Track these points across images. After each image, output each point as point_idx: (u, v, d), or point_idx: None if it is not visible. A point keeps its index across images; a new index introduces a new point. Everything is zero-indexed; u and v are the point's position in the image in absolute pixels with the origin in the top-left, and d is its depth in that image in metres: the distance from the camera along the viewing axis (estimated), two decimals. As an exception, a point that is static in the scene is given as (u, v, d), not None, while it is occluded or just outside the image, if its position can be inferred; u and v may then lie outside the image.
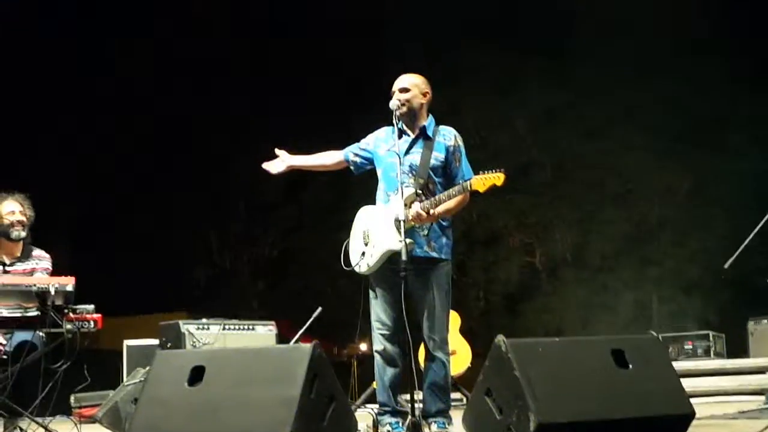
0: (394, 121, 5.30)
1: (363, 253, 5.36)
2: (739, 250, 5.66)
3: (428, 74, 5.56)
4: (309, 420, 3.97)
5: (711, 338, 9.70)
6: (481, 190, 5.07)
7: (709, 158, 14.13)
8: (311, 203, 16.99)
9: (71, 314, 5.35)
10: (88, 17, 13.42)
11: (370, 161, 5.55)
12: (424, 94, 5.41)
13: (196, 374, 4.28)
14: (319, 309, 7.35)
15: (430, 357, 5.29)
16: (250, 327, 7.76)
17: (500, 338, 4.16)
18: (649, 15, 13.95)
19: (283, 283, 17.40)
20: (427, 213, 5.15)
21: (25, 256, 6.30)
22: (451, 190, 5.17)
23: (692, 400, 4.27)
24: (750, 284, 10.77)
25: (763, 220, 5.70)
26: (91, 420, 6.56)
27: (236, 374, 4.24)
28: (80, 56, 13.48)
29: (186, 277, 16.91)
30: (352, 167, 5.64)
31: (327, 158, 5.72)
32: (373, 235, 5.32)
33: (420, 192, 5.22)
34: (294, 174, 5.81)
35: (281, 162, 5.69)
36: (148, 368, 4.82)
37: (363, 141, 5.61)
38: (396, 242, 5.06)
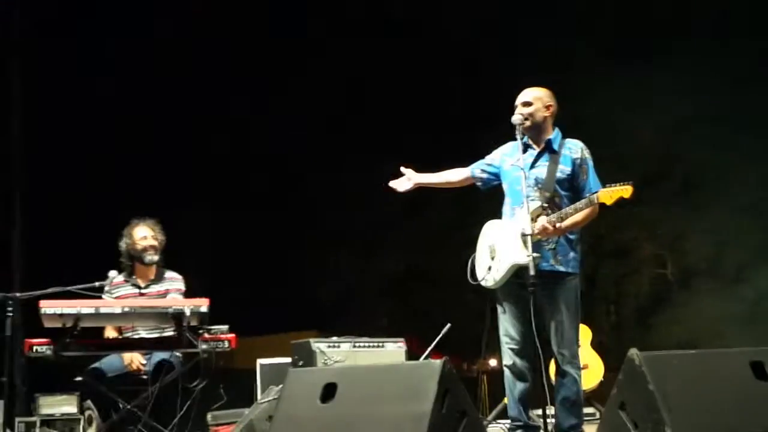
0: (517, 136, 5.29)
1: (489, 268, 5.36)
2: None
3: (551, 86, 5.54)
4: (441, 436, 3.98)
5: None
6: (609, 203, 5.03)
7: None
8: (437, 219, 17.01)
9: (206, 334, 5.50)
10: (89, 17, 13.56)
11: (497, 176, 5.56)
12: (548, 107, 5.39)
13: (329, 391, 4.33)
14: (449, 325, 7.35)
15: (560, 372, 5.25)
16: (380, 344, 7.80)
17: (634, 351, 4.10)
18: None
19: (411, 300, 17.44)
20: (554, 226, 5.12)
21: (159, 278, 6.56)
22: (578, 203, 5.13)
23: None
24: None
25: None
26: (227, 438, 6.70)
27: (368, 390, 4.28)
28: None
29: (314, 296, 17.12)
30: (479, 183, 5.65)
31: (454, 175, 5.75)
32: (499, 250, 5.31)
33: (546, 205, 5.20)
34: (418, 189, 5.84)
35: (407, 180, 5.74)
36: (281, 386, 4.90)
37: (489, 157, 5.62)
38: (522, 256, 5.05)
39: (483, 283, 5.41)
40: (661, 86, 14.26)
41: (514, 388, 5.31)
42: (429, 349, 7.35)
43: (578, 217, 5.18)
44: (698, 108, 14.15)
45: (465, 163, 5.74)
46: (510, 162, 5.42)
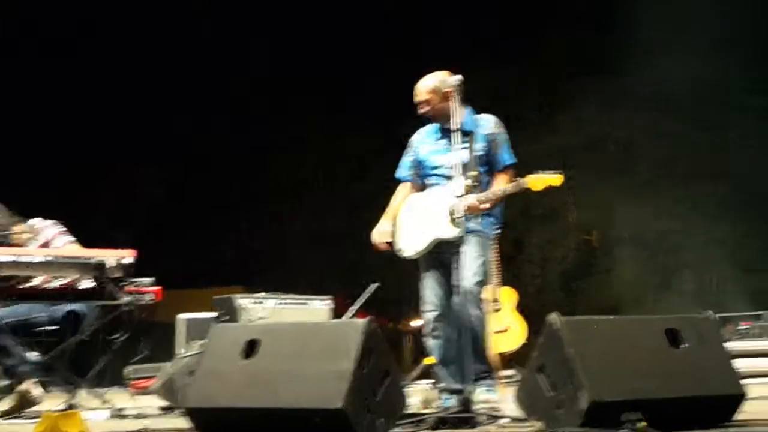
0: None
1: (411, 239, 5.47)
2: None
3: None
4: (361, 394, 3.99)
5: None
6: (539, 188, 5.12)
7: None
8: (372, 181, 16.99)
9: (130, 287, 5.43)
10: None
11: (422, 165, 5.60)
12: (434, 92, 5.42)
13: (251, 347, 4.32)
14: (376, 285, 7.38)
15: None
16: (305, 302, 7.80)
17: (554, 315, 4.15)
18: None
19: (339, 260, 17.46)
20: (479, 205, 5.21)
21: (31, 233, 6.23)
22: (506, 186, 5.28)
23: (747, 381, 4.25)
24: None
25: None
26: (146, 392, 6.65)
27: (290, 348, 4.27)
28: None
29: (241, 252, 17.04)
30: (417, 181, 5.65)
31: (402, 197, 5.74)
32: (423, 223, 5.44)
33: (475, 184, 5.25)
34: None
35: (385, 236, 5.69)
36: (203, 341, 4.88)
37: (407, 153, 5.71)
38: (447, 231, 5.22)
39: (401, 254, 5.53)
40: (604, 52, 14.33)
41: (434, 350, 5.38)
42: (354, 308, 7.37)
43: (505, 194, 5.29)
44: (638, 75, 14.27)
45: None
46: (428, 147, 5.51)
